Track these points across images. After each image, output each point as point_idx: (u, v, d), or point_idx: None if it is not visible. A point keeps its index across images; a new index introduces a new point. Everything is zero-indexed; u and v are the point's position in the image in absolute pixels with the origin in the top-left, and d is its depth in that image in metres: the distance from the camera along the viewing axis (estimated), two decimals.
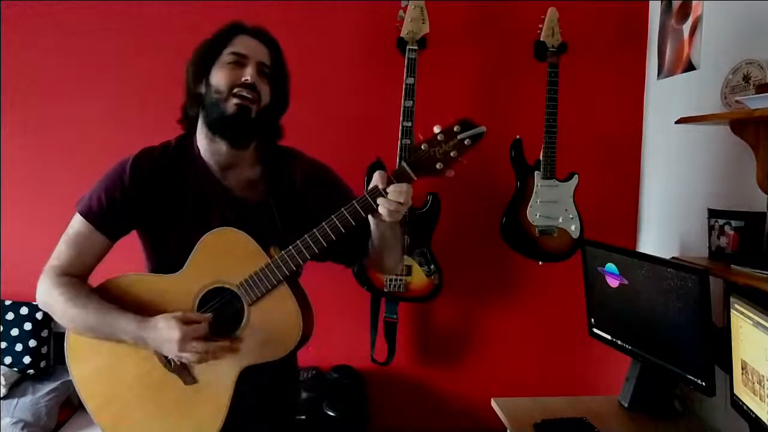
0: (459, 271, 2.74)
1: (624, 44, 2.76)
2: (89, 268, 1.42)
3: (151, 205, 1.39)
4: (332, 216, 1.31)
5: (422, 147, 1.26)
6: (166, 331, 1.29)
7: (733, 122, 1.90)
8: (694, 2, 2.35)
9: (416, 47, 2.44)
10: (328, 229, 1.31)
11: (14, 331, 2.56)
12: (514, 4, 2.68)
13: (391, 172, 1.29)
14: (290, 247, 1.33)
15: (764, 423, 1.52)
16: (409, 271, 2.53)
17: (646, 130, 2.78)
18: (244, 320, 1.35)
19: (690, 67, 2.36)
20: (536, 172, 2.54)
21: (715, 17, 2.23)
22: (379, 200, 1.27)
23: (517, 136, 2.56)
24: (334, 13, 2.65)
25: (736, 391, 1.67)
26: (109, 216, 1.39)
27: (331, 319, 2.73)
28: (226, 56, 1.38)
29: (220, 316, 1.35)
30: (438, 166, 1.25)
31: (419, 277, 2.54)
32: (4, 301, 2.60)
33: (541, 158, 2.53)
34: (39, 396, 2.44)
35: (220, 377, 1.35)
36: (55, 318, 1.40)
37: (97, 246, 1.40)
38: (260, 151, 1.46)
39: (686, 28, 2.40)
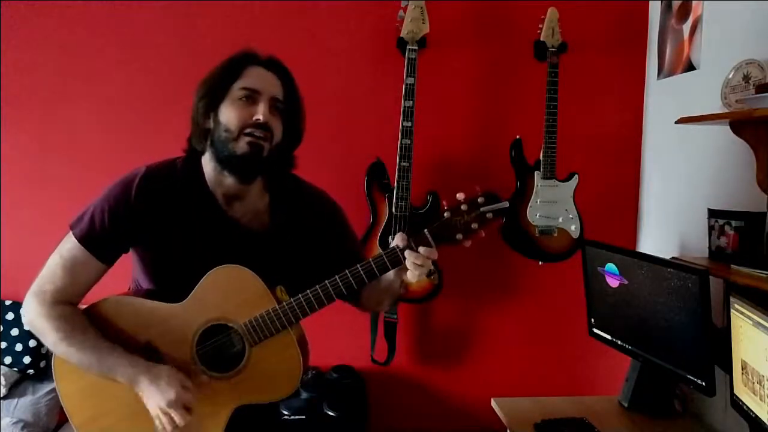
0: (459, 271, 2.73)
1: (624, 44, 2.76)
2: (82, 295, 1.38)
3: (155, 226, 1.34)
4: (346, 271, 1.30)
5: (445, 215, 1.26)
6: (165, 386, 1.26)
7: (733, 122, 1.90)
8: (694, 2, 2.35)
9: (416, 47, 2.44)
10: (340, 284, 1.31)
11: (14, 331, 2.56)
12: (514, 4, 2.68)
13: (412, 236, 1.28)
14: (300, 295, 1.32)
15: (764, 423, 1.52)
16: None
17: (646, 130, 2.78)
18: (244, 360, 1.34)
19: (690, 67, 2.36)
20: (536, 172, 2.54)
21: (715, 17, 2.23)
22: (408, 255, 1.26)
23: (517, 136, 2.56)
24: (334, 13, 2.65)
25: (736, 391, 1.67)
26: (110, 242, 1.34)
27: (331, 319, 2.72)
28: (237, 91, 1.31)
29: (220, 353, 1.34)
30: (458, 236, 1.26)
31: None
32: (4, 301, 2.60)
33: (541, 158, 2.53)
34: (39, 396, 2.44)
35: (213, 412, 1.34)
36: (44, 343, 1.37)
37: (93, 271, 1.36)
38: (267, 181, 1.43)
39: (686, 28, 2.40)
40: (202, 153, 1.38)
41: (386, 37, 2.56)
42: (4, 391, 2.43)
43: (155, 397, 1.27)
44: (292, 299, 1.32)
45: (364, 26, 2.66)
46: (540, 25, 2.51)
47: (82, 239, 1.33)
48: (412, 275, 1.27)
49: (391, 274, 1.34)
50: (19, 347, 2.55)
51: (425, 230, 1.26)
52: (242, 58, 1.35)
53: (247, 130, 1.31)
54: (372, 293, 1.44)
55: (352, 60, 2.68)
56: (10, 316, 2.57)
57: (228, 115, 1.31)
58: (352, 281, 1.29)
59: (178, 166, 1.40)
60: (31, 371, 2.58)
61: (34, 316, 1.35)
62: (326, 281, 1.31)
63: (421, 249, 1.26)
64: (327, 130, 2.68)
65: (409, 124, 2.44)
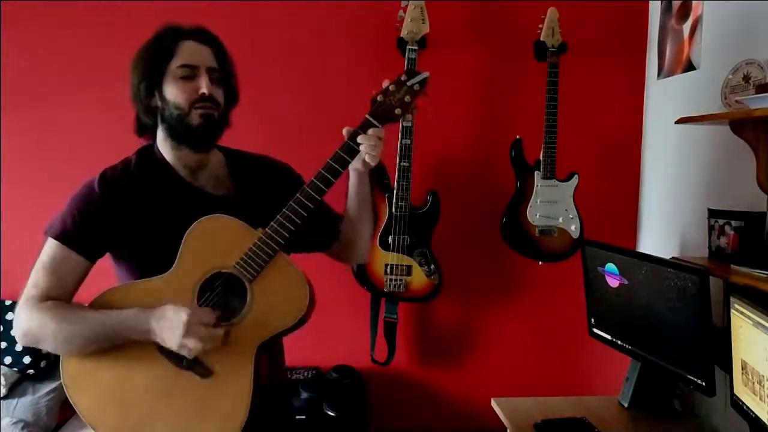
0: (459, 271, 2.74)
1: (624, 44, 2.76)
2: (70, 294, 1.36)
3: (125, 216, 1.36)
4: (320, 170, 1.35)
5: (378, 98, 1.38)
6: (173, 315, 1.26)
7: (733, 122, 1.90)
8: (694, 2, 2.35)
9: (416, 47, 2.44)
10: (310, 190, 1.34)
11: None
12: (514, 4, 2.68)
13: (357, 126, 1.37)
14: (278, 215, 1.34)
15: (764, 423, 1.52)
16: (409, 271, 2.53)
17: (646, 130, 2.78)
18: (248, 298, 1.34)
19: (690, 67, 2.36)
20: (536, 172, 2.54)
21: (715, 17, 2.23)
22: (359, 139, 1.34)
23: (517, 136, 2.56)
24: (334, 13, 2.65)
25: (736, 391, 1.67)
26: (85, 233, 1.35)
27: (331, 319, 2.73)
28: (176, 70, 1.35)
29: (223, 301, 1.34)
30: (396, 111, 1.37)
31: (419, 277, 2.54)
32: (4, 301, 2.60)
33: (541, 158, 2.53)
34: (39, 396, 2.44)
35: (236, 361, 1.32)
36: (45, 346, 1.33)
37: (75, 268, 1.35)
38: (220, 149, 1.48)
39: (686, 28, 2.40)
40: (153, 130, 1.42)
41: (386, 37, 2.56)
42: (4, 391, 2.43)
43: (170, 330, 1.26)
44: (272, 222, 1.34)
45: (364, 26, 2.66)
46: (540, 25, 2.51)
47: (58, 236, 1.35)
48: (370, 158, 1.36)
49: (354, 186, 1.44)
50: (19, 347, 2.55)
51: (366, 116, 1.37)
52: (171, 34, 1.40)
53: (197, 105, 1.35)
54: (348, 215, 1.49)
55: (352, 60, 2.68)
56: (10, 316, 2.57)
57: (173, 93, 1.35)
58: (319, 184, 1.34)
59: (132, 160, 1.44)
60: (31, 371, 2.58)
61: (23, 323, 1.33)
62: (297, 193, 1.34)
63: (370, 130, 1.35)
64: (327, 129, 2.67)
65: (409, 124, 2.44)
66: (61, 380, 1.35)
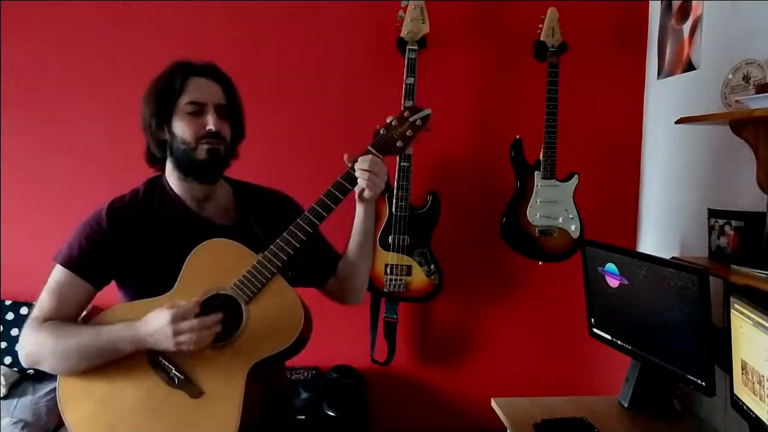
0: (459, 271, 2.74)
1: (624, 44, 2.76)
2: (73, 318, 1.39)
3: (132, 246, 1.39)
4: (321, 196, 1.37)
5: (381, 131, 1.42)
6: (157, 318, 1.27)
7: (733, 122, 1.90)
8: (694, 2, 2.35)
9: (416, 47, 2.44)
10: (310, 216, 1.37)
11: (14, 331, 2.56)
12: (514, 4, 2.68)
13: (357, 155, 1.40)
14: (278, 239, 1.36)
15: (764, 423, 1.52)
16: (409, 271, 2.53)
17: (646, 130, 2.78)
18: (243, 319, 1.35)
19: (690, 67, 2.36)
20: (536, 172, 2.54)
21: (715, 17, 2.23)
22: (356, 167, 1.37)
23: (517, 136, 2.56)
24: (333, 13, 2.65)
25: (736, 391, 1.67)
26: (90, 260, 1.37)
27: (331, 319, 2.72)
28: (184, 106, 1.39)
29: (222, 323, 1.33)
30: (398, 144, 1.41)
31: (419, 277, 2.54)
32: (4, 301, 2.60)
33: (541, 158, 2.53)
34: (39, 396, 2.44)
35: (227, 381, 1.33)
36: (46, 366, 1.36)
37: (79, 293, 1.38)
38: (228, 181, 1.52)
39: (686, 28, 2.40)
40: (163, 161, 1.45)
41: (386, 37, 2.56)
42: (4, 391, 2.43)
43: (160, 332, 1.27)
44: (271, 245, 1.36)
45: (364, 26, 2.66)
46: (540, 25, 2.51)
47: (64, 263, 1.38)
48: (366, 184, 1.37)
49: (359, 218, 1.46)
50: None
51: (368, 147, 1.41)
52: (180, 71, 1.41)
53: (204, 140, 1.38)
54: (348, 249, 1.51)
55: (352, 60, 2.68)
56: (10, 316, 2.57)
57: (181, 128, 1.39)
58: (319, 209, 1.37)
59: (140, 191, 1.47)
60: (31, 371, 2.57)
61: (26, 342, 1.37)
62: (297, 219, 1.37)
63: (369, 158, 1.39)
64: (327, 129, 2.68)
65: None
66: (57, 399, 1.37)
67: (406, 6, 2.45)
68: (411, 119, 1.40)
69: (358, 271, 1.53)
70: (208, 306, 1.35)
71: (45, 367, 1.37)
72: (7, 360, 2.54)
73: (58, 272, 1.38)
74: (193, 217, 1.44)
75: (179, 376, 1.32)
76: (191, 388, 1.33)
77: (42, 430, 2.35)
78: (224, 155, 1.42)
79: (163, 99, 1.40)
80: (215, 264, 1.36)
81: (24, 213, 2.66)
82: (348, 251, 1.52)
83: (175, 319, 1.26)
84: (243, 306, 1.35)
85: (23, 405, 2.37)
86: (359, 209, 1.46)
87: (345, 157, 1.41)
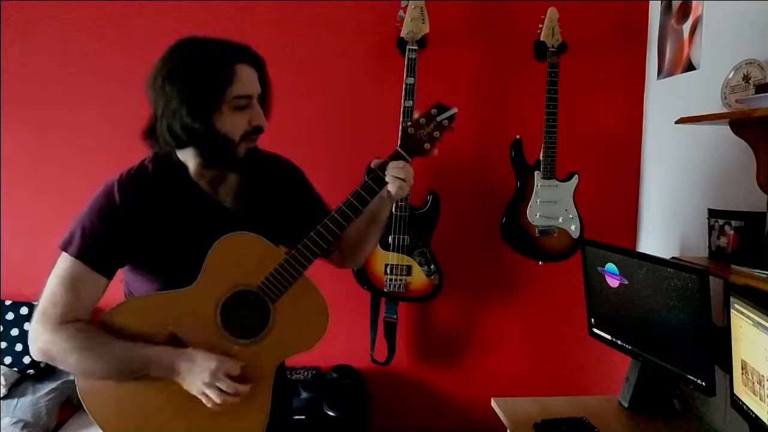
0: (459, 271, 2.74)
1: (624, 44, 2.76)
2: (89, 313, 1.32)
3: (147, 228, 1.32)
4: (349, 197, 1.35)
5: (409, 131, 1.39)
6: (201, 361, 1.26)
7: (733, 122, 1.90)
8: (694, 2, 2.35)
9: (416, 47, 2.44)
10: (337, 216, 1.35)
11: (14, 331, 2.56)
12: (514, 4, 2.68)
13: (387, 156, 1.39)
14: (305, 239, 1.35)
15: (764, 423, 1.52)
16: (409, 271, 2.53)
17: (646, 130, 2.78)
18: (270, 318, 1.35)
19: (690, 67, 2.36)
20: (536, 172, 2.54)
21: (715, 17, 2.23)
22: (389, 172, 1.35)
23: (517, 136, 2.56)
24: (334, 12, 2.65)
25: (736, 391, 1.67)
26: (105, 248, 1.30)
27: (331, 319, 2.73)
28: (232, 100, 1.28)
29: (245, 320, 1.34)
30: (426, 146, 1.40)
31: (419, 277, 2.54)
32: (4, 301, 2.60)
33: (541, 158, 2.53)
34: (39, 396, 2.44)
35: (254, 380, 1.32)
36: (62, 367, 1.31)
37: (95, 288, 1.32)
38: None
39: (686, 28, 2.40)
40: (173, 149, 1.34)
41: (386, 37, 2.56)
42: (4, 391, 2.43)
43: (197, 375, 1.26)
44: (298, 245, 1.35)
45: (364, 26, 2.66)
46: (540, 25, 2.51)
47: (79, 254, 1.29)
48: (395, 187, 1.35)
49: (376, 203, 1.42)
50: (19, 347, 2.55)
51: (398, 148, 1.39)
52: (226, 55, 1.28)
53: (248, 137, 1.33)
54: (357, 225, 1.47)
55: (352, 60, 2.68)
56: (10, 316, 2.57)
57: (226, 125, 1.29)
58: (347, 211, 1.36)
59: (149, 167, 1.38)
60: (31, 371, 2.58)
61: (42, 343, 1.29)
62: (325, 219, 1.35)
63: (401, 162, 1.37)
64: (327, 129, 2.68)
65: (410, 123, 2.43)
66: (78, 393, 1.33)
67: (406, 6, 2.45)
68: (439, 119, 1.39)
69: (364, 243, 1.51)
70: (233, 304, 1.35)
71: (60, 367, 1.32)
72: (7, 360, 2.54)
73: (71, 263, 1.29)
74: (207, 201, 1.38)
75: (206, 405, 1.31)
76: None
77: (42, 430, 2.34)
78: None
79: (204, 87, 1.25)
80: (239, 259, 1.34)
81: (24, 213, 2.66)
82: (356, 225, 1.47)
83: (219, 370, 1.26)
84: (270, 305, 1.35)
85: (23, 405, 2.37)
86: (377, 200, 1.41)
87: (373, 162, 1.40)
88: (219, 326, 1.34)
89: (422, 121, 1.38)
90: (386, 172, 1.36)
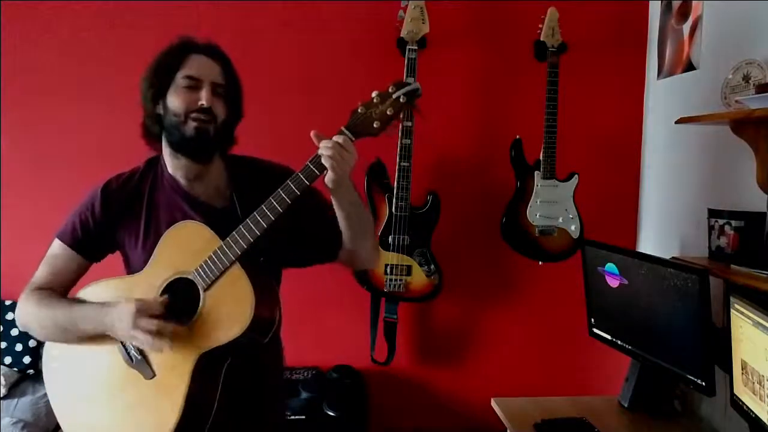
0: (459, 271, 2.74)
1: (624, 44, 2.76)
2: (65, 287, 1.46)
3: (122, 224, 1.44)
4: (287, 181, 1.33)
5: (359, 110, 1.32)
6: (122, 308, 1.31)
7: (733, 122, 1.90)
8: (694, 2, 2.35)
9: (416, 47, 2.44)
10: (274, 201, 1.33)
11: (14, 331, 2.56)
12: (514, 4, 2.68)
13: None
14: (240, 225, 1.34)
15: (764, 423, 1.52)
16: (409, 271, 2.53)
17: (646, 130, 2.78)
18: (200, 305, 1.35)
19: (690, 67, 2.36)
20: (536, 172, 2.54)
21: (715, 17, 2.24)
22: (320, 149, 1.32)
23: (517, 136, 2.56)
24: (334, 12, 2.65)
25: (736, 391, 1.67)
26: (82, 237, 1.44)
27: (331, 319, 2.74)
28: (180, 80, 1.39)
29: (179, 306, 1.35)
30: (375, 125, 1.31)
31: (419, 277, 2.54)
32: (4, 301, 2.60)
33: (541, 158, 2.52)
34: (39, 396, 2.44)
35: (176, 368, 1.34)
36: (34, 333, 1.44)
37: (71, 264, 1.45)
38: (223, 159, 1.50)
39: (686, 28, 2.40)
40: (158, 136, 1.45)
41: (386, 37, 2.56)
42: (4, 391, 2.43)
43: (122, 321, 1.30)
44: (232, 232, 1.34)
45: (364, 26, 2.66)
46: (540, 25, 2.51)
47: (60, 237, 1.46)
48: (329, 165, 1.30)
49: (334, 204, 1.39)
50: (19, 347, 2.55)
51: (341, 128, 1.33)
52: (182, 47, 1.42)
53: (193, 115, 1.38)
54: (346, 238, 1.47)
55: (352, 60, 2.68)
56: (10, 316, 2.57)
57: (174, 101, 1.39)
58: (284, 196, 1.32)
59: (139, 169, 1.50)
60: (31, 371, 2.58)
61: (19, 308, 1.44)
62: (261, 205, 1.34)
63: (334, 137, 1.32)
64: (327, 130, 2.67)
65: (410, 124, 2.44)
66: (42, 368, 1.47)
67: (406, 6, 2.45)
68: (394, 95, 1.29)
69: (359, 247, 1.49)
70: (171, 289, 1.37)
71: (33, 334, 1.45)
72: (7, 360, 2.54)
73: (55, 245, 1.46)
74: (183, 195, 1.44)
75: (137, 356, 1.36)
76: (145, 369, 1.36)
77: (42, 430, 2.35)
78: (214, 135, 1.40)
79: (161, 72, 1.40)
80: (185, 247, 1.37)
81: (24, 213, 2.66)
82: (343, 233, 1.47)
83: (138, 315, 1.28)
84: (201, 292, 1.35)
85: (23, 405, 2.37)
86: (336, 206, 1.39)
87: (312, 133, 1.35)
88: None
89: (376, 99, 1.31)
90: (319, 152, 1.32)
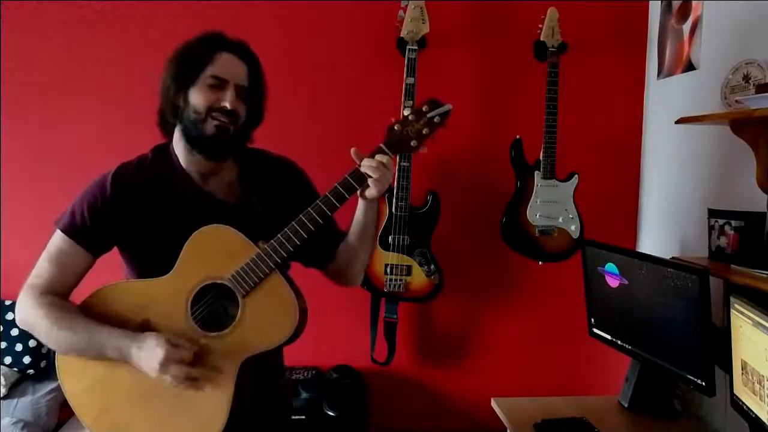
0: (459, 271, 2.74)
1: (624, 44, 2.76)
2: (70, 287, 1.40)
3: (134, 216, 1.39)
4: (326, 193, 1.34)
5: (395, 127, 1.34)
6: (150, 350, 1.27)
7: (733, 122, 1.90)
8: (694, 2, 2.35)
9: (416, 47, 2.44)
10: (313, 213, 1.34)
11: (14, 331, 2.56)
12: (514, 4, 2.68)
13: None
14: (279, 234, 1.34)
15: (764, 423, 1.52)
16: (409, 271, 2.53)
17: (646, 130, 2.78)
18: (239, 313, 1.34)
19: (690, 67, 2.36)
20: (536, 172, 2.54)
21: (715, 17, 2.23)
22: (364, 166, 1.32)
23: (517, 136, 2.55)
24: (333, 13, 2.65)
25: (736, 391, 1.67)
26: (92, 230, 1.38)
27: (331, 319, 2.73)
28: (206, 78, 1.36)
29: (214, 312, 1.34)
30: (412, 143, 1.34)
31: (419, 277, 2.54)
32: (4, 301, 2.60)
33: (541, 158, 2.52)
34: (39, 396, 2.44)
35: (219, 374, 1.33)
36: (38, 338, 1.37)
37: (79, 262, 1.39)
38: (235, 155, 1.48)
39: (686, 28, 2.40)
40: (173, 127, 1.42)
41: (386, 37, 2.56)
42: (4, 391, 2.43)
43: (148, 362, 1.28)
44: (271, 240, 1.34)
45: (364, 26, 2.66)
46: (540, 25, 2.51)
47: (65, 230, 1.38)
48: (373, 184, 1.33)
49: (359, 212, 1.42)
50: (19, 347, 2.55)
51: (380, 145, 1.34)
52: (213, 42, 1.39)
53: (215, 114, 1.36)
54: (348, 239, 1.48)
55: (352, 60, 2.68)
56: (10, 316, 2.57)
57: (197, 98, 1.36)
58: (324, 208, 1.34)
59: (148, 157, 1.46)
60: (31, 371, 2.58)
61: (23, 311, 1.37)
62: (300, 215, 1.34)
63: (377, 156, 1.33)
64: (327, 129, 2.68)
65: None
66: (56, 366, 1.38)
67: (406, 6, 2.45)
68: (429, 115, 1.33)
69: (356, 259, 1.50)
70: (204, 294, 1.35)
71: (35, 335, 1.38)
72: (7, 360, 2.54)
73: (59, 238, 1.39)
74: (196, 191, 1.42)
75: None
76: None
77: (42, 430, 2.35)
78: (233, 136, 1.39)
79: (187, 65, 1.38)
80: (214, 251, 1.35)
81: (24, 213, 2.66)
82: (347, 241, 1.49)
83: (167, 360, 1.26)
84: (240, 299, 1.34)
85: (23, 405, 2.37)
86: (361, 205, 1.43)
87: (352, 151, 1.37)
88: (188, 317, 1.35)
89: (411, 117, 1.34)
90: (361, 168, 1.33)
